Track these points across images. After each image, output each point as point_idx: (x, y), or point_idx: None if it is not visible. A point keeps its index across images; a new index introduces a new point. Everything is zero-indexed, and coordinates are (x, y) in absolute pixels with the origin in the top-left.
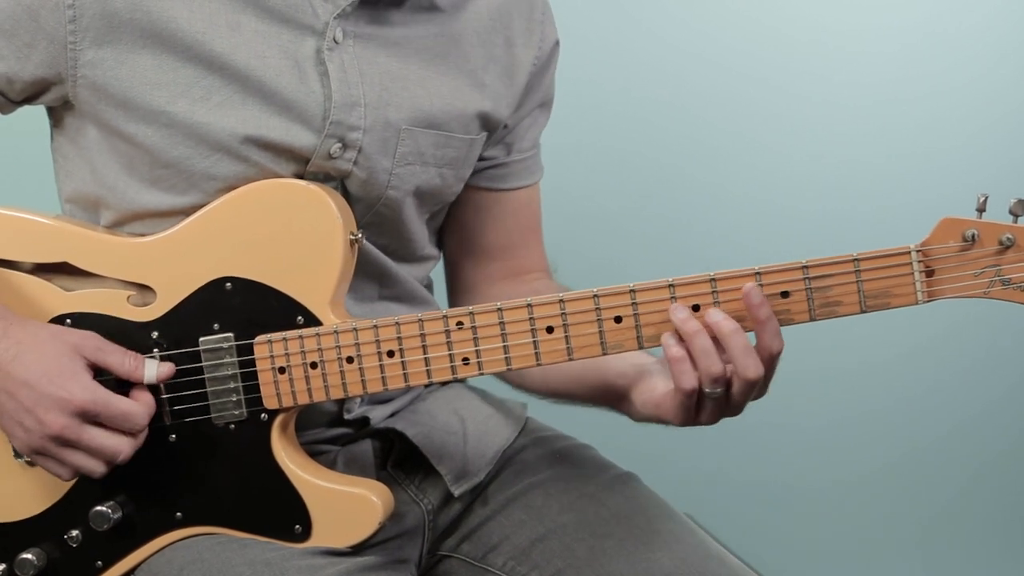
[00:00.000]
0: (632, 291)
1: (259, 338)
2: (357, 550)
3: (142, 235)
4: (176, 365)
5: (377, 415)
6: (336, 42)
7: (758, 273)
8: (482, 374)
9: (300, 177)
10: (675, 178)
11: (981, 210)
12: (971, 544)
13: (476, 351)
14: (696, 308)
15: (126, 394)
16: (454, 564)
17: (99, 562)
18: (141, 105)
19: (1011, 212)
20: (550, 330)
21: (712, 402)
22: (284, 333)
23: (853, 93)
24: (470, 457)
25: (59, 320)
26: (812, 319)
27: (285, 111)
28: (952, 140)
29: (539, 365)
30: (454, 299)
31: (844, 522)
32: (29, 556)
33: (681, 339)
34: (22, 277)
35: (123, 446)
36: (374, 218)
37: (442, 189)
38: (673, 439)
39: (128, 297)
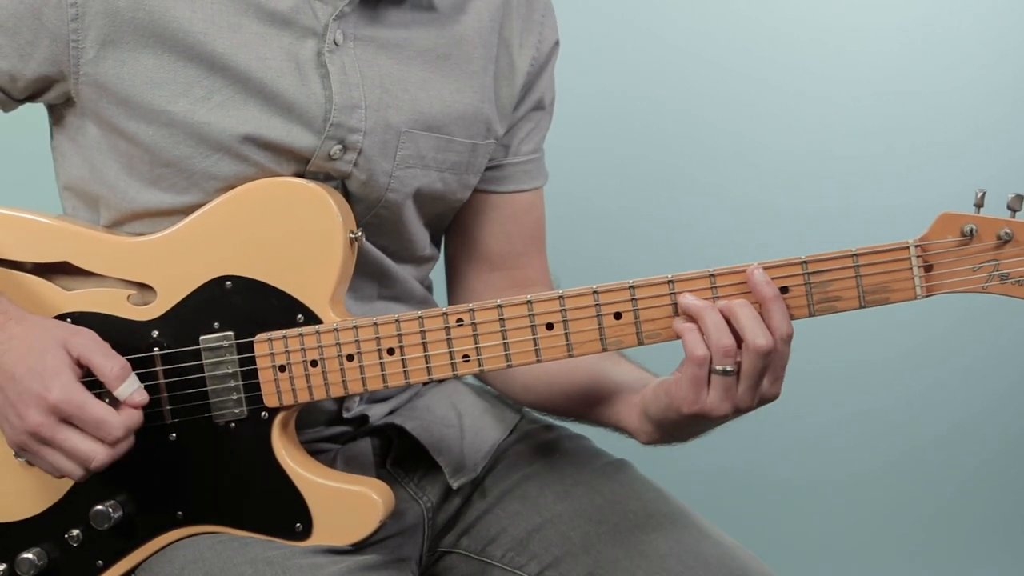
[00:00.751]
0: (631, 287)
1: (259, 336)
2: (358, 548)
3: (142, 234)
4: (176, 364)
5: (376, 413)
6: (336, 44)
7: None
8: (482, 371)
9: (300, 177)
10: (674, 176)
11: (979, 205)
12: (971, 542)
13: (476, 348)
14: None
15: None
16: (454, 559)
17: (100, 561)
18: (142, 104)
19: (1009, 207)
20: (550, 327)
21: (722, 381)
22: (284, 331)
23: (851, 91)
24: (468, 451)
25: (60, 319)
26: (811, 314)
27: (286, 112)
28: (950, 136)
29: (539, 361)
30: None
31: (843, 519)
32: (30, 556)
33: (691, 320)
34: (23, 277)
35: (96, 453)
36: (373, 219)
37: (444, 194)
38: None
39: (128, 296)
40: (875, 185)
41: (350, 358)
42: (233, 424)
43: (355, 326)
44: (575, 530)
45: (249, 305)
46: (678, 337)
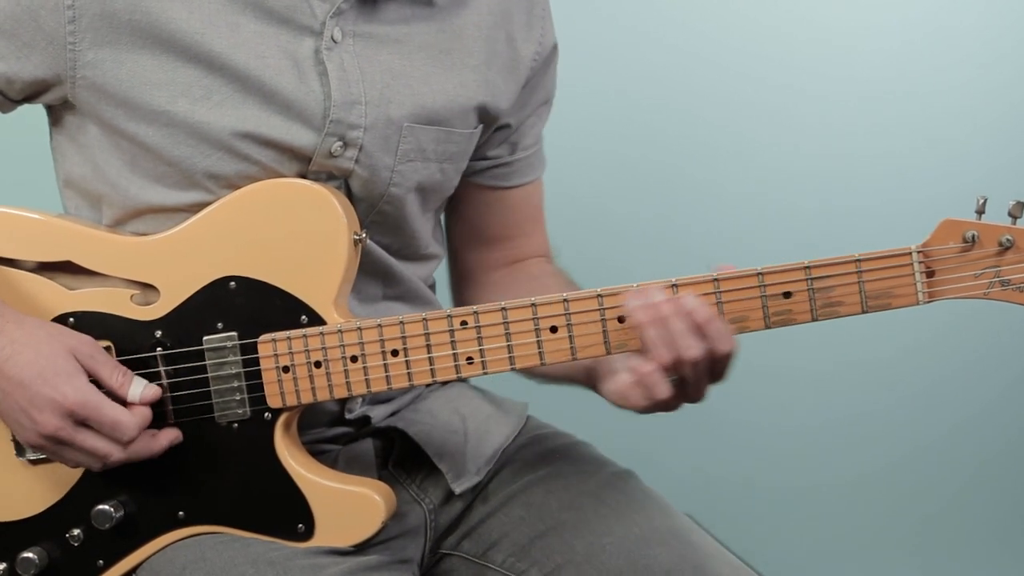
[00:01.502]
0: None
1: (263, 337)
2: (360, 549)
3: (145, 233)
4: (179, 364)
5: (378, 414)
6: (335, 41)
7: (760, 274)
8: (486, 373)
9: (303, 176)
10: (678, 179)
11: (981, 212)
12: (971, 542)
13: (480, 350)
14: None
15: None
16: (455, 562)
17: (101, 561)
18: (141, 105)
19: (1010, 214)
20: (554, 330)
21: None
22: (288, 332)
23: (855, 93)
24: (471, 455)
25: (62, 319)
26: (814, 319)
27: (285, 110)
28: (952, 141)
29: (543, 365)
30: (456, 287)
31: (843, 521)
32: (30, 555)
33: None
34: (25, 276)
35: (113, 450)
36: (377, 217)
37: (443, 184)
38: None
39: (132, 296)
40: (875, 184)
41: (354, 359)
42: (236, 425)
43: (359, 327)
44: (578, 539)
45: (253, 306)
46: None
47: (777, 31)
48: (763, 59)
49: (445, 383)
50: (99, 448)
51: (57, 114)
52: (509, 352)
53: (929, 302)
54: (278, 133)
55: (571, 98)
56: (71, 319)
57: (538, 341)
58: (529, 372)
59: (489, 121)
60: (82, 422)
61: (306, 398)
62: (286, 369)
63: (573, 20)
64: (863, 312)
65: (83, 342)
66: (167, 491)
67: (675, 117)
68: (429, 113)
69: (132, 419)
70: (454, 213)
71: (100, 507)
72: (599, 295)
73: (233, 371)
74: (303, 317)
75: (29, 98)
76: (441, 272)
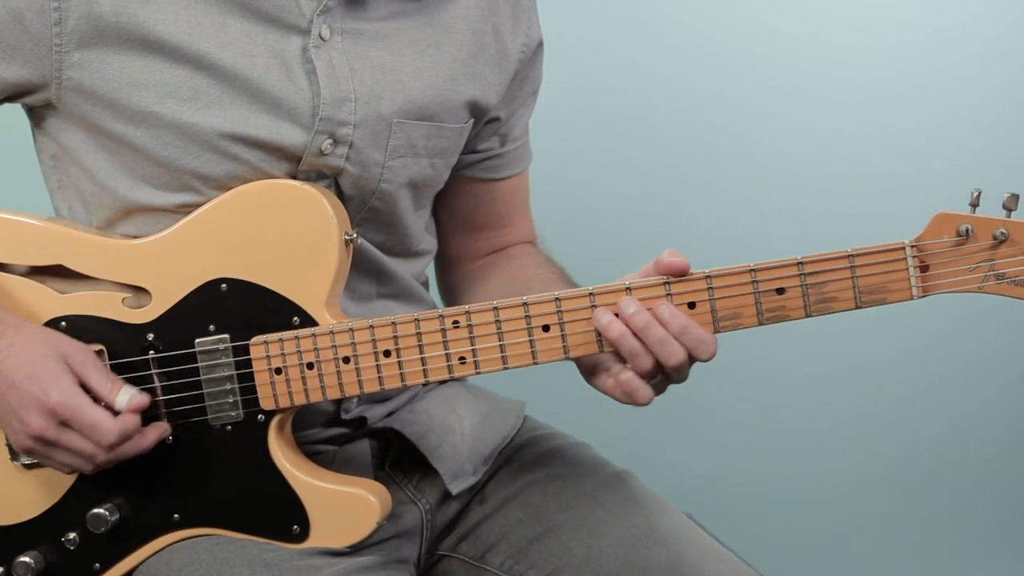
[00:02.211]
0: (628, 289)
1: (255, 339)
2: (356, 550)
3: (136, 236)
4: (172, 367)
5: (374, 414)
6: (323, 39)
7: (753, 270)
8: (479, 373)
9: (293, 176)
10: (670, 176)
11: (975, 205)
12: (971, 542)
13: (472, 350)
14: None
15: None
16: (453, 564)
17: (97, 564)
18: (128, 106)
19: (1004, 207)
20: (546, 328)
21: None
22: (280, 334)
23: (848, 90)
24: (468, 456)
25: (54, 323)
26: (808, 315)
27: (274, 109)
28: (946, 136)
29: (535, 364)
30: (440, 274)
31: (843, 521)
32: (27, 559)
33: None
34: (16, 280)
35: (96, 451)
36: (369, 214)
37: (433, 178)
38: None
39: (123, 299)
40: (873, 185)
41: (346, 360)
42: (229, 427)
43: (351, 328)
44: (576, 542)
45: (244, 308)
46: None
47: (776, 30)
48: (762, 58)
49: (440, 383)
50: (83, 449)
51: (39, 116)
52: (502, 352)
53: (924, 297)
54: (267, 133)
55: (569, 97)
56: (63, 323)
57: (530, 340)
58: None
59: (479, 115)
60: (64, 422)
61: (299, 399)
62: (279, 371)
63: (572, 19)
64: (857, 307)
65: (76, 348)
66: (162, 494)
67: (673, 116)
68: (419, 108)
69: (113, 424)
70: (441, 203)
71: (95, 511)
72: (591, 293)
73: (226, 373)
74: (295, 318)
75: (10, 99)
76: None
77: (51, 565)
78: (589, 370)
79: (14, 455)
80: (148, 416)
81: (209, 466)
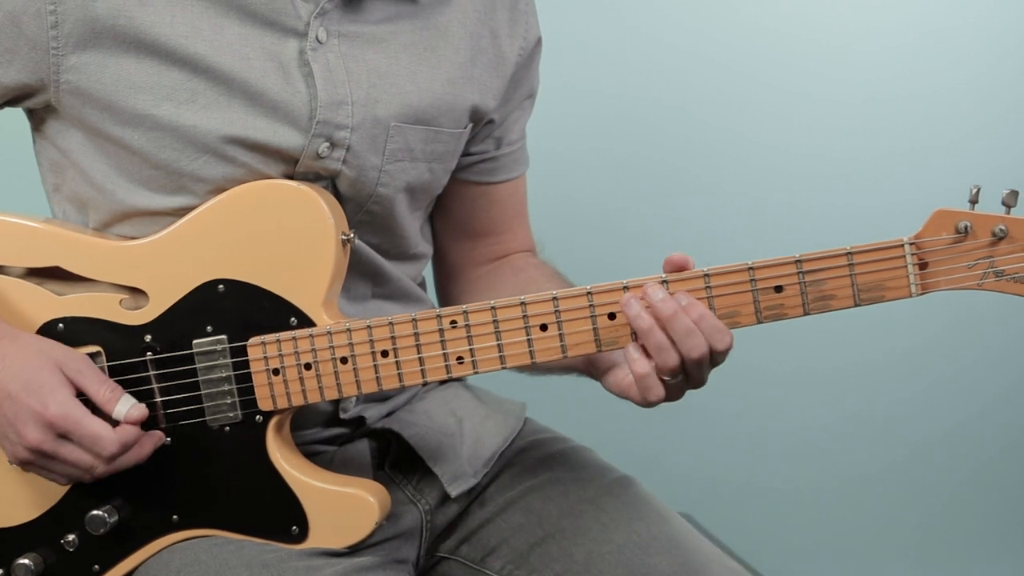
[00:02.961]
0: (626, 287)
1: (252, 340)
2: (354, 551)
3: (133, 237)
4: (169, 368)
5: (373, 414)
6: (320, 42)
7: (751, 268)
8: (476, 373)
9: (289, 178)
10: (668, 175)
11: (974, 202)
12: (971, 542)
13: (470, 350)
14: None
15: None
16: (452, 566)
17: (96, 566)
18: (125, 109)
19: (1004, 203)
20: (544, 328)
21: (672, 383)
22: (277, 334)
23: (846, 89)
24: (467, 458)
25: (51, 324)
26: (806, 313)
27: (271, 112)
28: (945, 133)
29: (533, 363)
30: (440, 282)
31: (843, 523)
32: (26, 561)
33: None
34: (13, 282)
35: (96, 463)
36: (365, 216)
37: (431, 183)
38: (673, 440)
39: (120, 301)
40: (872, 184)
41: (344, 360)
42: (227, 428)
43: (348, 328)
44: (578, 548)
45: (242, 308)
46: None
47: (773, 29)
48: (761, 58)
49: (439, 383)
50: (82, 461)
51: (38, 118)
52: (499, 351)
53: (923, 294)
54: (264, 135)
55: (567, 96)
56: (60, 325)
57: (528, 340)
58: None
59: (478, 120)
60: (63, 435)
61: (297, 400)
62: (276, 371)
63: (570, 19)
64: (856, 305)
65: (71, 357)
66: (161, 495)
67: (672, 115)
68: (416, 112)
69: (113, 435)
70: (439, 208)
71: (94, 512)
72: (589, 292)
73: (223, 374)
74: (292, 319)
75: (10, 103)
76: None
77: (50, 567)
78: (601, 369)
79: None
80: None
81: (207, 467)
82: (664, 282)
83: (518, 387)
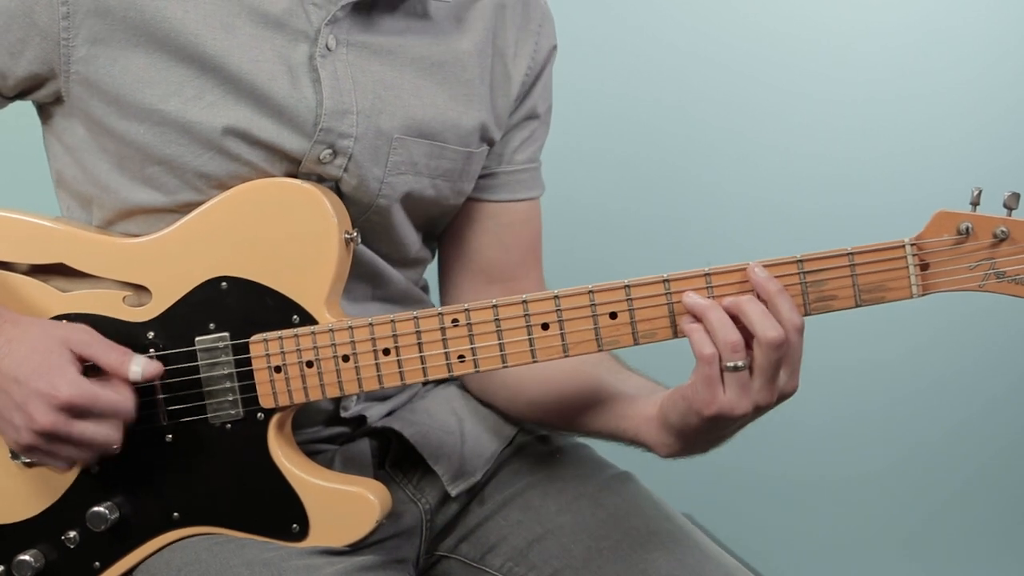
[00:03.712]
0: (627, 287)
1: (255, 337)
2: (355, 549)
3: (136, 235)
4: (172, 365)
5: (374, 413)
6: (329, 49)
7: (753, 267)
8: (478, 371)
9: (292, 177)
10: (669, 175)
11: (975, 203)
12: (971, 542)
13: (472, 348)
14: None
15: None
16: (452, 565)
17: (97, 563)
18: (132, 102)
19: (1005, 205)
20: (545, 327)
21: (736, 378)
22: (280, 332)
23: (848, 90)
24: (467, 457)
25: (55, 320)
26: (807, 313)
27: (276, 115)
28: (946, 134)
29: (535, 362)
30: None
31: (844, 521)
32: (27, 557)
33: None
34: (18, 278)
35: (114, 436)
36: (365, 224)
37: (437, 200)
38: None
39: (124, 297)
40: (873, 185)
41: (346, 359)
42: (229, 425)
43: (350, 327)
44: (576, 544)
45: (244, 306)
46: (683, 336)
47: (774, 30)
48: (762, 58)
49: (440, 382)
50: (97, 438)
51: (47, 114)
52: (501, 350)
53: (924, 295)
54: (268, 136)
55: (568, 96)
56: (64, 321)
57: (530, 339)
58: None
59: (490, 140)
60: (79, 414)
61: (298, 398)
62: (278, 369)
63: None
64: (857, 306)
65: (75, 330)
66: (162, 493)
67: (673, 115)
68: (420, 126)
69: (130, 399)
70: (452, 239)
71: (95, 509)
72: (590, 291)
73: (225, 371)
74: (295, 317)
75: (23, 94)
76: (434, 273)
77: (51, 563)
78: (652, 427)
79: (14, 453)
80: (149, 414)
81: (209, 465)
82: (666, 281)
83: None
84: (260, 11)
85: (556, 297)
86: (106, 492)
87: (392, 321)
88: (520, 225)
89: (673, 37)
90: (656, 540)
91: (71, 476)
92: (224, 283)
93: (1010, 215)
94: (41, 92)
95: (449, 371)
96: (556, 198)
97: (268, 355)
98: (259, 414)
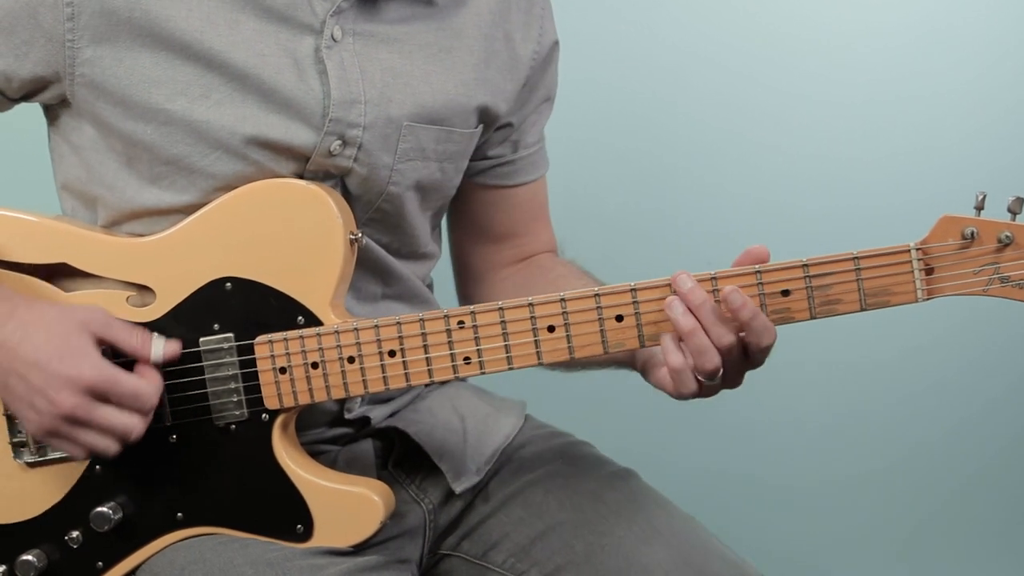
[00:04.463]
0: (633, 290)
1: (260, 338)
2: (359, 550)
3: (140, 235)
4: (176, 366)
5: (377, 414)
6: (335, 40)
7: (758, 271)
8: (483, 373)
9: (300, 175)
10: (676, 177)
11: (980, 208)
12: (971, 542)
13: (477, 350)
14: None
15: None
16: (455, 563)
17: (100, 563)
18: (139, 103)
19: (1009, 210)
20: (551, 329)
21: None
22: (285, 333)
23: (852, 91)
24: (470, 455)
25: None
26: (812, 317)
27: (284, 109)
28: (951, 138)
29: (540, 364)
30: (463, 287)
31: (844, 521)
32: (30, 557)
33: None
34: (21, 278)
35: (135, 424)
36: (376, 215)
37: (442, 183)
38: (672, 436)
39: (127, 298)
40: (876, 186)
41: (351, 360)
42: (233, 426)
43: (356, 328)
44: (578, 540)
45: (249, 307)
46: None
47: (777, 30)
48: (765, 60)
49: (443, 383)
50: (119, 424)
51: (54, 114)
52: (506, 352)
53: (928, 299)
54: (277, 133)
55: (571, 96)
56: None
57: (535, 341)
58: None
59: (489, 121)
60: (101, 398)
61: (303, 399)
62: (283, 370)
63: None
64: (862, 310)
65: (93, 312)
66: (165, 493)
67: (674, 115)
68: (429, 112)
69: (151, 386)
70: (458, 213)
71: (99, 509)
72: (596, 294)
73: (230, 372)
74: (300, 318)
75: (27, 96)
76: (440, 272)
77: (54, 563)
78: (648, 368)
79: (17, 453)
80: (154, 415)
81: (213, 465)
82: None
83: (518, 386)
84: (264, 6)
85: (562, 300)
86: (110, 492)
87: (398, 323)
88: (529, 200)
89: (674, 37)
90: (658, 536)
91: (74, 476)
92: (229, 284)
93: (1014, 220)
94: (45, 95)
95: (455, 373)
96: (557, 198)
97: (273, 356)
98: (263, 415)
